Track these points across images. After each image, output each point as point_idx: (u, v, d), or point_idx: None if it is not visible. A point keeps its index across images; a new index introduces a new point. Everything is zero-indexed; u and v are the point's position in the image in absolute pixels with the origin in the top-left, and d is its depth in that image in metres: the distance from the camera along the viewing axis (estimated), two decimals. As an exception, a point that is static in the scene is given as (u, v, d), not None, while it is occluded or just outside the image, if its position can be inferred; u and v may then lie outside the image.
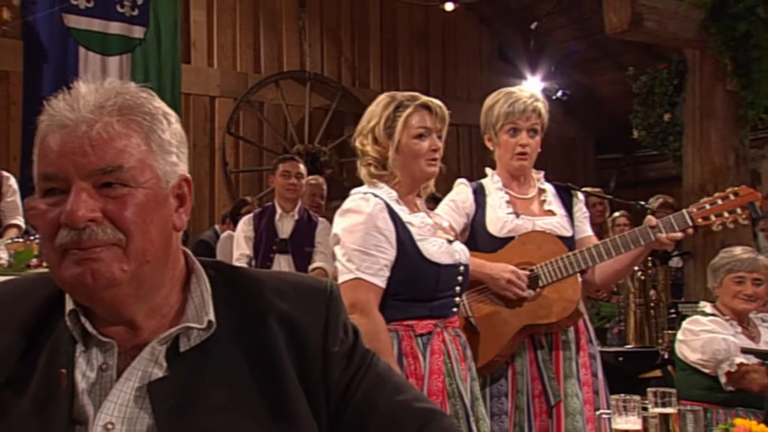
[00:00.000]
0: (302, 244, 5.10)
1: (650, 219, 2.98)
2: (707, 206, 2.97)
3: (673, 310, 4.73)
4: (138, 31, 7.81)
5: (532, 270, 2.94)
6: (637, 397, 2.46)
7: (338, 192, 8.01)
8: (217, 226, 7.06)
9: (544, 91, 9.47)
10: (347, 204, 2.60)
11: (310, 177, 5.89)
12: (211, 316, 1.27)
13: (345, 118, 8.86)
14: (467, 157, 9.34)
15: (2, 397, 1.22)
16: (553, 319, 2.93)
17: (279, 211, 5.14)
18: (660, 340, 5.05)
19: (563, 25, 9.23)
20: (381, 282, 2.49)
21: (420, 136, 2.61)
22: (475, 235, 3.02)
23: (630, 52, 8.97)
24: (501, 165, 3.12)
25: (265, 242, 5.03)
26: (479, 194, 3.09)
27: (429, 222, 2.67)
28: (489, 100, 3.12)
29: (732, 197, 2.96)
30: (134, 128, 1.25)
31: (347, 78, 8.94)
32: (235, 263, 4.82)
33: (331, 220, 5.47)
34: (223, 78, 8.19)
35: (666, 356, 4.41)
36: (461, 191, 3.11)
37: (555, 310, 2.93)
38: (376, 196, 2.58)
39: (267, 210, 5.19)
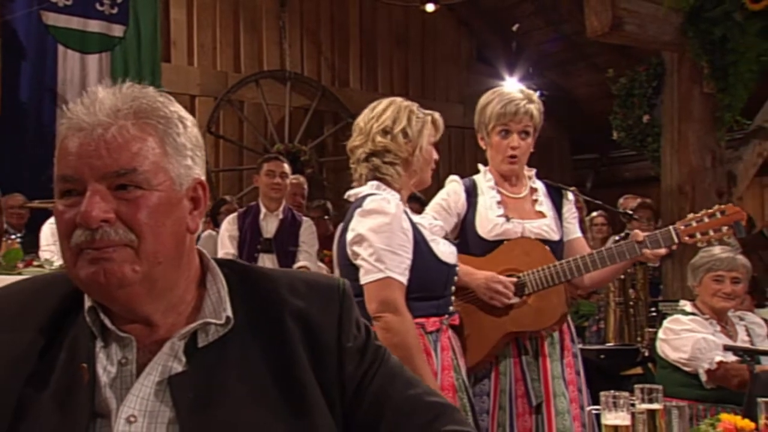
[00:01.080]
0: (286, 244, 5.13)
1: (637, 234, 3.04)
2: (694, 224, 3.02)
3: (653, 309, 4.81)
4: (117, 30, 7.79)
5: (519, 277, 2.99)
6: (626, 394, 2.52)
7: (318, 191, 8.07)
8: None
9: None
10: (369, 205, 2.61)
11: (292, 176, 5.91)
12: (229, 313, 1.31)
13: (325, 117, 8.89)
14: (446, 157, 9.39)
15: (25, 392, 1.25)
16: (537, 327, 2.98)
17: (263, 210, 5.16)
18: (639, 338, 5.13)
19: (540, 27, 9.34)
20: (406, 280, 2.54)
21: (433, 145, 2.74)
22: (466, 234, 3.06)
23: (605, 54, 9.09)
24: (493, 165, 3.16)
25: (250, 241, 5.05)
26: (471, 194, 3.11)
27: (438, 224, 2.74)
28: (483, 99, 3.13)
29: (719, 215, 3.02)
30: (149, 131, 1.27)
31: (327, 78, 8.98)
32: (219, 263, 4.86)
33: (312, 219, 5.52)
34: (203, 77, 8.19)
35: (646, 354, 4.49)
36: (454, 190, 3.13)
37: (539, 319, 2.98)
38: (393, 196, 2.64)
39: (251, 209, 5.21)
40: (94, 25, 7.70)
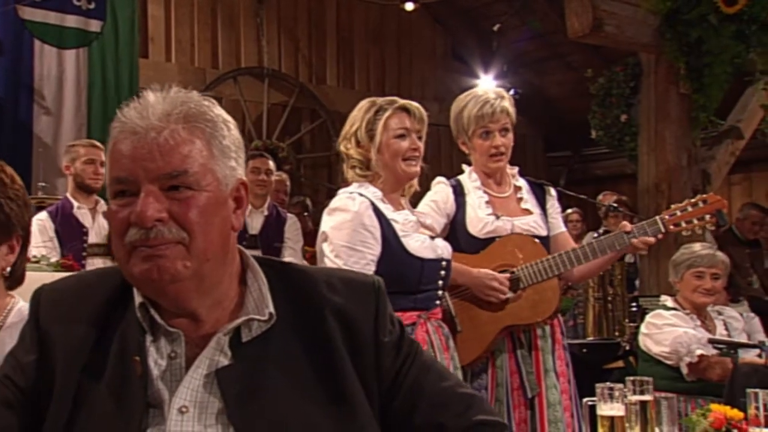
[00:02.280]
0: (272, 240, 5.17)
1: (625, 225, 3.15)
2: (678, 213, 3.13)
3: (634, 304, 4.94)
4: (95, 25, 7.74)
5: (513, 272, 3.08)
6: (620, 386, 2.62)
7: (296, 188, 8.10)
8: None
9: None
10: (334, 203, 2.73)
11: (275, 173, 5.94)
12: (272, 309, 1.37)
13: (302, 114, 8.93)
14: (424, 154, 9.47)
15: (81, 383, 1.31)
16: (534, 320, 3.08)
17: (249, 207, 5.18)
18: (617, 332, 5.27)
19: (515, 26, 9.43)
20: None
21: (400, 137, 2.76)
22: (457, 234, 3.14)
23: (579, 54, 9.23)
24: (477, 167, 3.25)
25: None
26: (458, 194, 3.21)
27: (412, 219, 2.81)
28: (457, 105, 3.22)
29: (701, 204, 3.14)
30: (198, 135, 1.34)
31: (304, 74, 9.01)
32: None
33: (296, 216, 5.56)
34: (181, 73, 8.17)
35: (628, 348, 4.62)
36: (442, 191, 3.21)
37: (535, 312, 3.08)
38: (361, 195, 2.71)
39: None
40: (71, 20, 7.63)
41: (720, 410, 2.44)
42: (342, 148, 2.81)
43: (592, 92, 6.30)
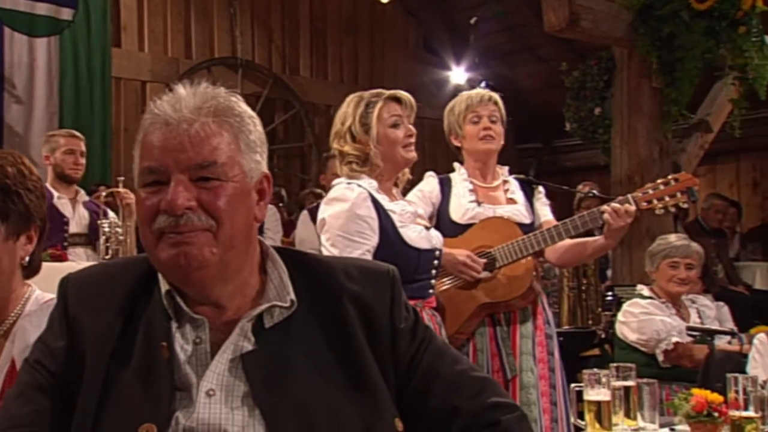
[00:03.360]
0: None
1: (603, 207, 3.24)
2: (650, 191, 3.21)
3: (609, 294, 5.06)
4: (66, 13, 7.68)
5: (489, 253, 3.16)
6: (606, 371, 2.71)
7: (269, 178, 8.10)
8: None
9: (469, 81, 9.77)
10: (332, 193, 2.79)
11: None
12: (293, 296, 1.43)
13: (276, 105, 8.94)
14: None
15: (110, 368, 1.35)
16: (508, 297, 3.17)
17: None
18: (590, 321, 5.38)
19: (487, 18, 9.52)
20: None
21: (394, 126, 2.83)
22: (439, 222, 3.23)
23: (549, 46, 9.34)
24: (470, 156, 3.32)
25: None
26: (445, 185, 3.30)
27: (409, 210, 2.87)
28: (448, 106, 3.37)
29: (673, 183, 3.21)
30: (226, 128, 1.39)
31: (278, 65, 9.01)
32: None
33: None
34: (154, 63, 8.14)
35: (603, 336, 4.73)
36: (428, 182, 3.33)
37: (510, 289, 3.17)
38: (359, 186, 2.77)
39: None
40: (42, 8, 7.57)
41: (701, 394, 2.54)
42: (335, 146, 2.85)
43: (567, 85, 6.40)
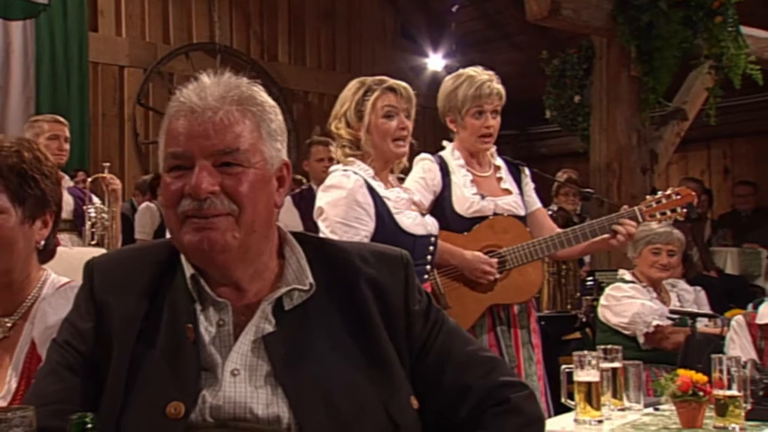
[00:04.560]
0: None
1: (616, 228, 3.31)
2: (654, 204, 3.34)
3: (590, 278, 5.16)
4: (42, -4, 7.61)
5: (500, 254, 3.22)
6: (594, 353, 2.79)
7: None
8: (133, 199, 7.05)
9: (446, 68, 9.82)
10: (329, 180, 2.83)
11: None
12: (311, 279, 1.48)
13: (254, 90, 8.91)
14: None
15: (137, 348, 1.40)
16: (517, 300, 3.24)
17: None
18: (569, 306, 5.49)
19: (464, 6, 9.57)
20: None
21: (388, 116, 2.84)
22: (444, 213, 3.23)
23: (525, 34, 9.42)
24: (463, 145, 3.36)
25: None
26: (444, 171, 3.29)
27: (404, 196, 2.92)
28: (449, 84, 3.32)
29: (674, 197, 3.34)
30: (249, 117, 1.45)
31: (256, 51, 9.00)
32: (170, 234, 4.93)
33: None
34: (131, 48, 8.09)
35: (584, 320, 4.83)
36: (429, 169, 3.29)
37: (519, 292, 3.25)
38: (355, 173, 2.81)
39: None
40: (17, -9, 7.50)
41: (686, 374, 2.62)
42: (332, 128, 2.90)
43: (548, 73, 6.48)
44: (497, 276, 3.17)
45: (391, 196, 2.86)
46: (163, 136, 1.45)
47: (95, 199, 4.59)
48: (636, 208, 3.32)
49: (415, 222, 2.85)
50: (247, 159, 1.42)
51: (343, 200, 2.75)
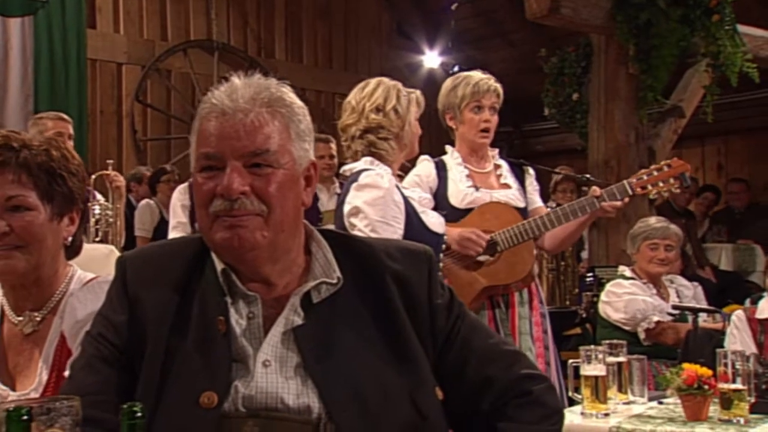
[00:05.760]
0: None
1: (595, 189, 3.37)
2: (645, 177, 3.36)
3: (590, 274, 5.21)
4: (40, -7, 7.60)
5: (491, 237, 3.27)
6: (601, 348, 2.84)
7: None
8: (130, 196, 7.05)
9: (442, 65, 9.87)
10: (365, 179, 2.86)
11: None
12: (339, 273, 1.52)
13: (252, 88, 8.92)
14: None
15: (170, 341, 1.44)
16: (510, 280, 3.28)
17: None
18: (568, 302, 5.54)
19: (461, 3, 9.61)
20: None
21: (417, 120, 3.00)
22: (439, 206, 3.30)
23: (521, 32, 9.46)
24: (463, 142, 3.42)
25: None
26: (441, 169, 3.40)
27: (426, 196, 2.99)
28: (448, 84, 3.44)
29: (666, 168, 3.36)
30: (279, 118, 1.49)
31: (253, 48, 9.01)
32: (172, 231, 4.96)
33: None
34: (130, 45, 8.09)
35: (584, 315, 4.88)
36: (425, 167, 3.41)
37: (512, 273, 3.28)
38: (388, 173, 2.88)
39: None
40: (15, -13, 7.48)
41: (691, 368, 2.67)
42: (373, 117, 2.89)
43: (546, 71, 6.52)
44: (488, 257, 3.22)
45: (414, 196, 2.94)
46: (194, 137, 1.49)
47: (99, 196, 4.61)
48: (626, 181, 3.35)
49: (438, 221, 2.94)
50: (277, 160, 1.46)
51: (381, 199, 2.80)
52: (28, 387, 1.65)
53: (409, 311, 1.54)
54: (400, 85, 2.98)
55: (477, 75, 3.40)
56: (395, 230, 2.77)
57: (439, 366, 1.56)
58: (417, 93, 3.01)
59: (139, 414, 1.07)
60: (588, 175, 4.02)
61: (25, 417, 1.04)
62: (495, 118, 3.38)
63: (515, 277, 3.28)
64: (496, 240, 3.26)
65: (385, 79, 2.98)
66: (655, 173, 3.35)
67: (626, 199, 3.36)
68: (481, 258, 3.25)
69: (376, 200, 2.80)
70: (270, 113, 1.47)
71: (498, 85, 3.40)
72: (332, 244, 1.57)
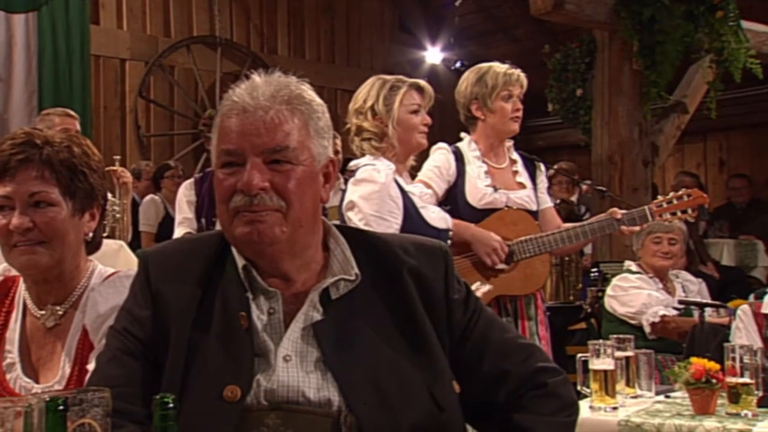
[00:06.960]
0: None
1: (615, 211, 3.40)
2: (664, 204, 3.42)
3: (595, 269, 5.23)
4: (44, -11, 7.61)
5: (508, 245, 3.28)
6: (609, 342, 2.86)
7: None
8: (134, 193, 7.06)
9: (444, 61, 9.88)
10: (361, 174, 2.89)
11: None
12: (357, 270, 1.54)
13: (254, 83, 8.93)
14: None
15: (193, 335, 1.46)
16: (525, 292, 3.30)
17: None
18: (571, 297, 5.57)
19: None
20: None
21: (414, 112, 2.98)
22: (456, 203, 3.30)
23: (523, 27, 9.47)
24: (488, 133, 3.38)
25: (207, 207, 5.13)
26: (459, 161, 3.35)
27: (428, 192, 3.00)
28: (472, 76, 3.41)
29: (686, 198, 3.42)
30: (298, 115, 1.51)
31: (256, 44, 9.02)
32: (178, 227, 4.97)
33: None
34: (133, 41, 8.10)
35: (589, 310, 4.91)
36: (446, 159, 3.35)
37: (526, 285, 3.31)
38: (388, 167, 2.89)
39: (207, 175, 5.29)
40: (18, -17, 7.50)
41: (699, 362, 2.70)
42: (354, 120, 2.96)
43: (549, 67, 6.54)
44: (504, 266, 3.23)
45: (415, 191, 2.95)
46: (216, 133, 1.51)
47: (105, 192, 4.61)
48: (646, 207, 3.39)
49: (439, 216, 2.94)
50: (296, 156, 1.48)
51: (376, 194, 2.82)
52: (51, 380, 1.68)
53: (427, 306, 1.57)
54: (392, 80, 2.97)
55: (501, 65, 3.41)
56: (390, 225, 2.78)
57: (455, 360, 1.58)
58: (417, 82, 2.98)
59: (171, 405, 1.10)
60: (589, 181, 4.06)
61: (62, 407, 1.06)
62: (521, 107, 3.41)
63: (529, 290, 3.30)
64: (513, 249, 3.27)
65: (379, 77, 3.00)
66: (675, 201, 3.41)
67: (644, 225, 3.42)
68: (498, 266, 3.27)
69: (371, 194, 2.82)
70: (290, 110, 1.49)
71: (524, 75, 3.43)
72: (349, 240, 1.59)
